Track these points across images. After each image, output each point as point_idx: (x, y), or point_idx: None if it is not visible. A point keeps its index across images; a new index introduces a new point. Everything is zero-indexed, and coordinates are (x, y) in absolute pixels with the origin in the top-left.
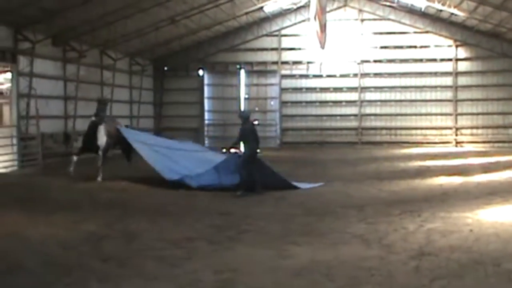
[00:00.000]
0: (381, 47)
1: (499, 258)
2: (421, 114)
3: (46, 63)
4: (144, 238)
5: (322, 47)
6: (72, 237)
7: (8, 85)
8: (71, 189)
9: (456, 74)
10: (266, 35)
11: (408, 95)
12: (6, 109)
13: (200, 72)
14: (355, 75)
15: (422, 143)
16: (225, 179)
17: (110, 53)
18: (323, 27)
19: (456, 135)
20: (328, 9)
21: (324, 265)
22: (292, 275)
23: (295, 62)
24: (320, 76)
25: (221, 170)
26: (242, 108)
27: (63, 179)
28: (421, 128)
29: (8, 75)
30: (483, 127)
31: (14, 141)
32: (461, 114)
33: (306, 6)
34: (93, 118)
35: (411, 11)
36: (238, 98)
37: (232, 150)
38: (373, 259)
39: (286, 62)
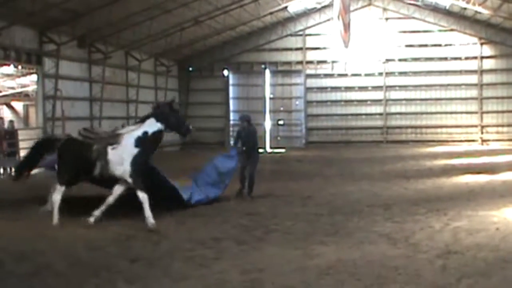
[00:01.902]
0: (406, 46)
1: None
2: (446, 113)
3: (71, 65)
4: (172, 239)
5: (346, 46)
6: (100, 237)
7: (34, 87)
8: (98, 190)
9: (481, 72)
10: (291, 35)
11: (433, 94)
12: (32, 111)
13: (225, 72)
14: (380, 74)
15: (448, 141)
16: (209, 192)
17: (135, 54)
18: (347, 26)
19: (482, 133)
20: (352, 8)
21: (351, 264)
22: (319, 275)
23: (319, 62)
24: (345, 75)
25: (200, 184)
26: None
27: None
28: (447, 127)
29: (34, 77)
30: (508, 125)
31: None
32: (487, 112)
33: (330, 5)
34: None
35: (436, 9)
36: (263, 98)
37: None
38: (399, 258)
39: (310, 62)
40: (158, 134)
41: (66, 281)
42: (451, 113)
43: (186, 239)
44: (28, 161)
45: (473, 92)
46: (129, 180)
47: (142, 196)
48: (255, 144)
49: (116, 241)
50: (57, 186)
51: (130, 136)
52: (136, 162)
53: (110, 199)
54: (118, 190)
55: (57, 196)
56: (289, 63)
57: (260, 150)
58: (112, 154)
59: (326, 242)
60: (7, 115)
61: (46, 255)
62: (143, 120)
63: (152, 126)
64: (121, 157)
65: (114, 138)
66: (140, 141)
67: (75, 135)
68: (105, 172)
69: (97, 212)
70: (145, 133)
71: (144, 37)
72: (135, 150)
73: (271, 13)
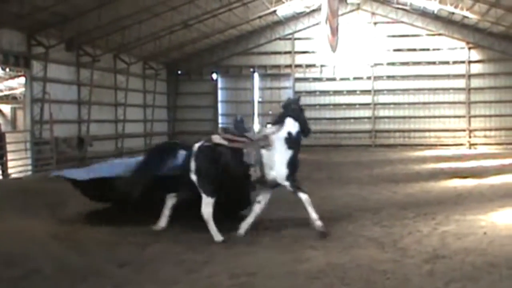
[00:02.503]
0: (394, 50)
1: None
2: (434, 117)
3: (59, 68)
4: (160, 243)
5: (334, 50)
6: (88, 242)
7: (21, 90)
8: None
9: (469, 76)
10: (280, 38)
11: (421, 98)
12: (20, 114)
13: (214, 75)
14: (369, 77)
15: (436, 145)
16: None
17: (123, 58)
18: (334, 31)
19: (470, 137)
20: (340, 12)
21: (340, 269)
22: (308, 279)
23: (308, 65)
24: (334, 79)
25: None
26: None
27: None
28: (435, 130)
29: (22, 80)
30: (496, 129)
31: (28, 145)
32: (474, 116)
33: (319, 9)
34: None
35: (424, 13)
36: (252, 102)
37: None
38: (388, 262)
39: (299, 65)
40: (298, 134)
41: (54, 286)
42: (439, 117)
43: (175, 242)
44: (147, 167)
45: (461, 96)
46: (286, 183)
47: (305, 198)
48: None
49: (105, 245)
50: (204, 198)
51: (278, 138)
52: (291, 164)
53: (257, 209)
54: (265, 197)
55: (207, 209)
56: (277, 66)
57: None
58: (266, 157)
59: (315, 246)
60: None
61: (35, 259)
62: (280, 120)
63: (292, 126)
64: (273, 160)
65: (265, 140)
66: (290, 142)
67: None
68: (257, 177)
69: (245, 225)
70: (290, 133)
71: (133, 41)
72: (289, 152)
73: (260, 17)
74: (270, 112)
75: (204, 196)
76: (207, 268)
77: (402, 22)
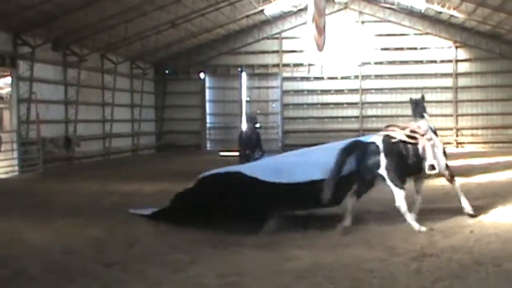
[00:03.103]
0: (382, 49)
1: (499, 258)
2: None
3: (46, 68)
4: (147, 243)
5: (320, 50)
6: (75, 242)
7: (8, 89)
8: (74, 194)
9: (456, 75)
10: (267, 37)
11: (408, 97)
12: (6, 114)
13: (202, 75)
14: (356, 77)
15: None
16: None
17: (111, 57)
18: (321, 30)
19: (457, 136)
20: (328, 11)
21: (327, 268)
22: (295, 278)
23: (296, 65)
24: (321, 78)
25: None
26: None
27: (65, 184)
28: None
29: (8, 79)
30: (483, 128)
31: (15, 146)
32: (462, 115)
33: (306, 8)
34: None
35: (411, 13)
36: (239, 101)
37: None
38: (375, 261)
39: (287, 65)
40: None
41: (41, 287)
42: None
43: (161, 242)
44: (339, 167)
45: (448, 95)
46: (446, 172)
47: (458, 185)
48: (256, 148)
49: (92, 245)
50: (397, 192)
51: (430, 132)
52: (445, 157)
53: (420, 199)
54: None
55: (402, 202)
56: (265, 66)
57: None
58: (432, 150)
59: (302, 245)
60: None
61: (22, 260)
62: (420, 115)
63: (428, 121)
64: (435, 152)
65: (429, 134)
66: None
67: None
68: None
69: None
70: (430, 128)
71: (120, 40)
72: (441, 145)
73: (247, 16)
74: (258, 112)
75: (396, 190)
76: (194, 268)
77: (390, 21)
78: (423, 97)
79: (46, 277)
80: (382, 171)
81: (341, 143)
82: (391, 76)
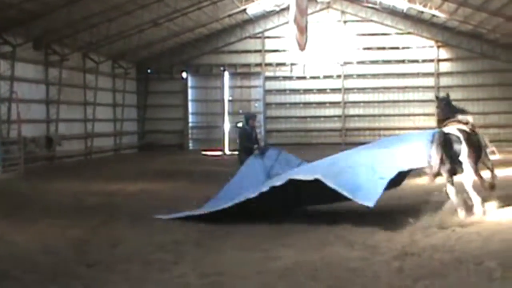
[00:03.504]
0: (364, 49)
1: (480, 256)
2: (404, 115)
3: (27, 67)
4: (130, 243)
5: (302, 49)
6: (57, 243)
7: None
8: (56, 194)
9: (438, 74)
10: (250, 37)
11: (391, 96)
12: None
13: (184, 74)
14: (338, 76)
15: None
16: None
17: (92, 56)
18: (303, 29)
19: None
20: (311, 11)
21: (310, 267)
22: (278, 277)
23: (278, 64)
24: (304, 77)
25: None
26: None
27: (46, 184)
28: (404, 129)
29: None
30: None
31: None
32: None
33: (289, 8)
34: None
35: (393, 12)
36: (222, 100)
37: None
38: (357, 260)
39: (269, 64)
40: None
41: (23, 287)
42: (409, 115)
43: (144, 242)
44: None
45: (430, 95)
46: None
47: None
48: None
49: (74, 245)
50: (472, 177)
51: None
52: None
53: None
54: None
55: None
56: (248, 65)
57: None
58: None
59: (285, 244)
60: None
61: (3, 260)
62: (460, 111)
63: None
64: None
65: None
66: None
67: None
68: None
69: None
70: None
71: (102, 39)
72: None
73: (229, 15)
74: (241, 111)
75: (472, 175)
76: (177, 268)
77: (372, 20)
78: (448, 95)
79: (28, 277)
80: (464, 158)
81: (404, 137)
82: (373, 76)
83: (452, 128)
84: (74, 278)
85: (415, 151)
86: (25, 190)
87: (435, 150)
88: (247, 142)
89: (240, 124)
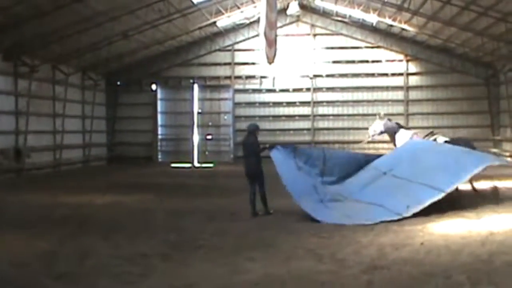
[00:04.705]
0: (333, 62)
1: (449, 270)
2: None
3: None
4: (98, 255)
5: (271, 62)
6: (24, 254)
7: None
8: (24, 206)
9: (407, 88)
10: (219, 50)
11: (360, 109)
12: None
13: (153, 86)
14: (308, 89)
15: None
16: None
17: (62, 68)
18: (272, 43)
19: None
20: (280, 24)
21: (278, 280)
22: None
23: (248, 77)
24: (273, 90)
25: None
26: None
27: (14, 195)
28: (373, 142)
29: None
30: (434, 141)
31: None
32: (413, 128)
33: (258, 21)
34: None
35: (363, 26)
36: (191, 113)
37: None
38: (326, 274)
39: (239, 77)
40: None
41: None
42: None
43: (112, 255)
44: None
45: (400, 108)
46: None
47: None
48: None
49: (41, 257)
50: None
51: None
52: None
53: None
54: None
55: None
56: (217, 78)
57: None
58: None
59: (253, 257)
60: None
61: None
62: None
63: None
64: None
65: None
66: None
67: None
68: None
69: None
70: None
71: (72, 51)
72: None
73: (200, 28)
74: (210, 123)
75: None
76: (145, 281)
77: (341, 34)
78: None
79: None
80: None
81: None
82: (343, 89)
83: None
84: None
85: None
86: None
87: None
88: (252, 154)
89: (209, 137)
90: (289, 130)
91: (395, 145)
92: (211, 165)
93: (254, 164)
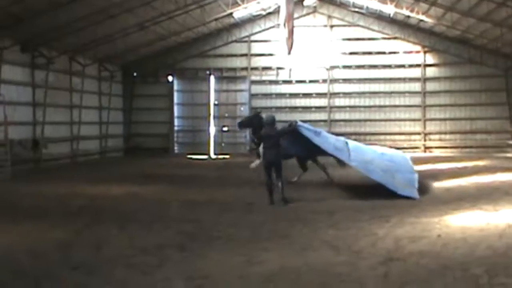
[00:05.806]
0: (350, 53)
1: (466, 263)
2: (390, 120)
3: (14, 69)
4: (114, 245)
5: (289, 52)
6: (41, 245)
7: None
8: (41, 196)
9: (425, 80)
10: (236, 41)
11: (377, 101)
12: None
13: (170, 78)
14: (324, 81)
15: (391, 148)
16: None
17: (79, 59)
18: (289, 33)
19: (425, 140)
20: (297, 15)
21: (294, 272)
22: (262, 282)
23: (264, 68)
24: (290, 82)
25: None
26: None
27: (32, 186)
28: (390, 134)
29: None
30: (451, 133)
31: None
32: (430, 120)
33: (275, 12)
34: None
35: (380, 17)
36: (208, 104)
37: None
38: (342, 265)
39: (255, 68)
40: None
41: None
42: (395, 120)
43: (128, 245)
44: None
45: (417, 100)
46: None
47: None
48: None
49: (57, 248)
50: None
51: None
52: None
53: None
54: None
55: None
56: (234, 69)
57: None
58: None
59: (269, 249)
60: None
61: None
62: None
63: None
64: None
65: None
66: None
67: None
68: None
69: None
70: None
71: (88, 42)
72: None
73: (216, 19)
74: (226, 115)
75: None
76: (161, 271)
77: (358, 25)
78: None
79: (10, 281)
80: None
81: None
82: (359, 80)
83: None
84: (58, 281)
85: None
86: (10, 192)
87: None
88: (273, 144)
89: (225, 128)
90: (305, 121)
91: None
92: (227, 156)
93: (275, 155)
